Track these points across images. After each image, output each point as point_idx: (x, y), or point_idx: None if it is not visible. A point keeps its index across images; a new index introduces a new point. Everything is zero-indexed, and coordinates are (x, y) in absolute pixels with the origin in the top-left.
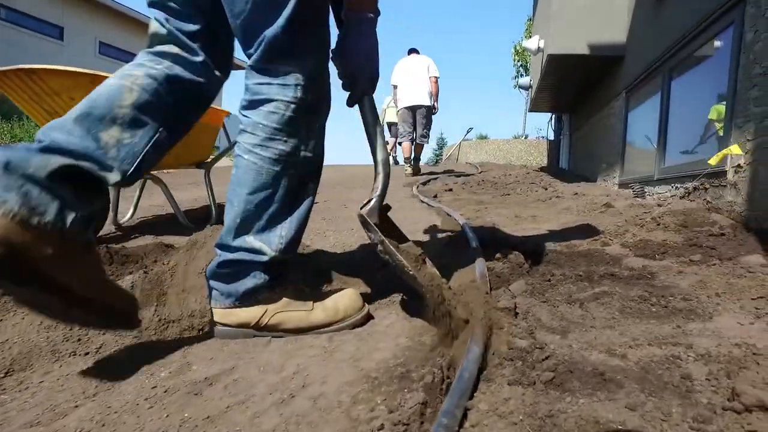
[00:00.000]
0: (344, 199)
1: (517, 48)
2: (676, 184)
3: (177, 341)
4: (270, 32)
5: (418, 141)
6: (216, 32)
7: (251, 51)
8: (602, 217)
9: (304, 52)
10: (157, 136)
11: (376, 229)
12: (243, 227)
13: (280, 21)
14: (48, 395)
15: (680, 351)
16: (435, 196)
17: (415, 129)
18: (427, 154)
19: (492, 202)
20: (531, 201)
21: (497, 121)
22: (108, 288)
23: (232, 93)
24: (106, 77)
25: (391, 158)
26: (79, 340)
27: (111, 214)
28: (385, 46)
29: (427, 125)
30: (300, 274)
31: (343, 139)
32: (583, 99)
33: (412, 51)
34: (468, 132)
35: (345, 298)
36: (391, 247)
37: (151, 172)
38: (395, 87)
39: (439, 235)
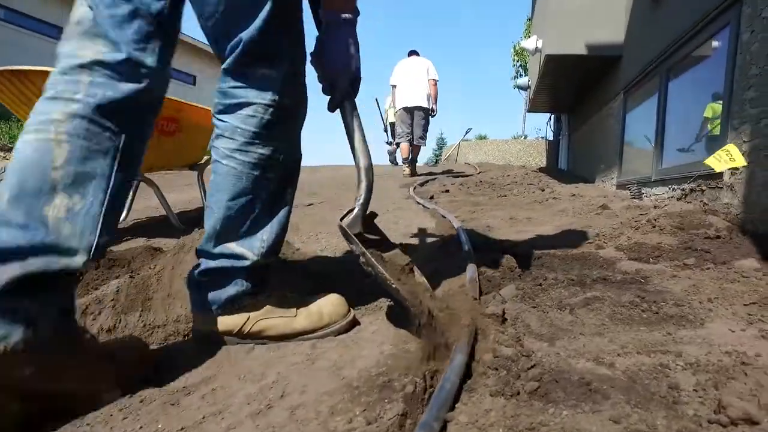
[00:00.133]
0: (340, 200)
1: (516, 48)
2: (674, 186)
3: (160, 348)
4: (246, 35)
5: (415, 143)
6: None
7: (225, 54)
8: (598, 219)
9: (281, 54)
10: (112, 182)
11: (357, 241)
12: (224, 234)
13: (257, 23)
14: None
15: (669, 360)
16: (431, 197)
17: (412, 130)
18: (426, 154)
19: (488, 203)
20: (527, 202)
21: (496, 122)
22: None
23: None
24: None
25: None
26: None
27: None
28: (386, 46)
29: (424, 128)
30: (287, 277)
31: (342, 138)
32: (582, 100)
33: (412, 53)
34: (467, 132)
35: (329, 304)
36: (373, 259)
37: (144, 174)
38: (394, 87)
39: (433, 238)
